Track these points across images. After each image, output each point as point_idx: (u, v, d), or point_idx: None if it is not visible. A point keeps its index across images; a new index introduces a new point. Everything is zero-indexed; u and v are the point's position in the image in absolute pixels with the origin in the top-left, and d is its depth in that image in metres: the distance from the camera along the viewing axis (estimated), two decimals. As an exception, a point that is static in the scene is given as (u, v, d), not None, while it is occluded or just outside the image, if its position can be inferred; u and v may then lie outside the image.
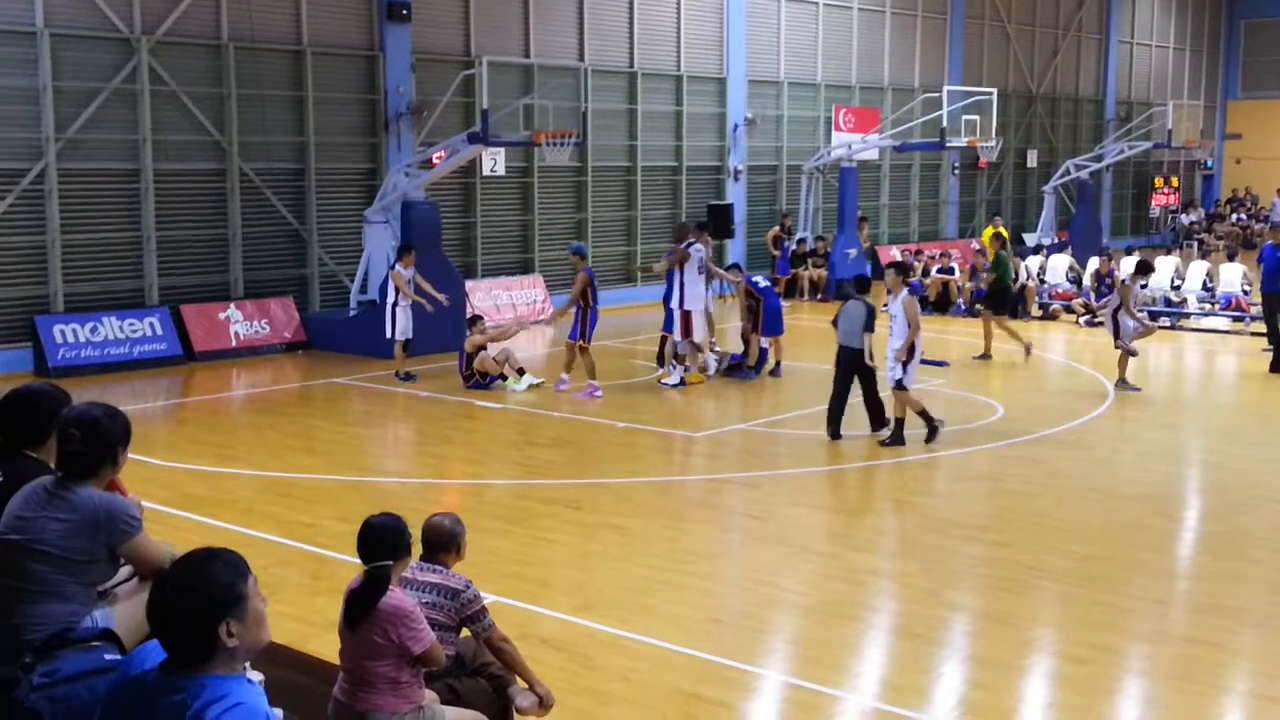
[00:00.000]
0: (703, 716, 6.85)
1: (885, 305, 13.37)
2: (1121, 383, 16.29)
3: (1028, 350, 18.88)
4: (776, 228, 27.33)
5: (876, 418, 13.52)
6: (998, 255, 20.07)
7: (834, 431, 13.48)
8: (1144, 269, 17.68)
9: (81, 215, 18.18)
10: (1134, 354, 16.62)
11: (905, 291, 13.17)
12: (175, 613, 3.18)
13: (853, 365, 13.40)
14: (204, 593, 3.20)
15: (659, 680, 7.26)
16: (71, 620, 4.51)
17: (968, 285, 24.36)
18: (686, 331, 16.53)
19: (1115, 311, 16.63)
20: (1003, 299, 19.68)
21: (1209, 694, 7.25)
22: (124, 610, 4.72)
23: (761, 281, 17.71)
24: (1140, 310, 17.88)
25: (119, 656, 4.30)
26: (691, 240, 16.97)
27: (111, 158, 18.43)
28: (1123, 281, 17.37)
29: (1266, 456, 13.11)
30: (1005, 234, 27.95)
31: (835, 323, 13.71)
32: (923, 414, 13.16)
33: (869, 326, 13.22)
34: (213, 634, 3.18)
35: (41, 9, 17.50)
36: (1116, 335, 16.49)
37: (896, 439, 13.08)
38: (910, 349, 13.09)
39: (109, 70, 18.25)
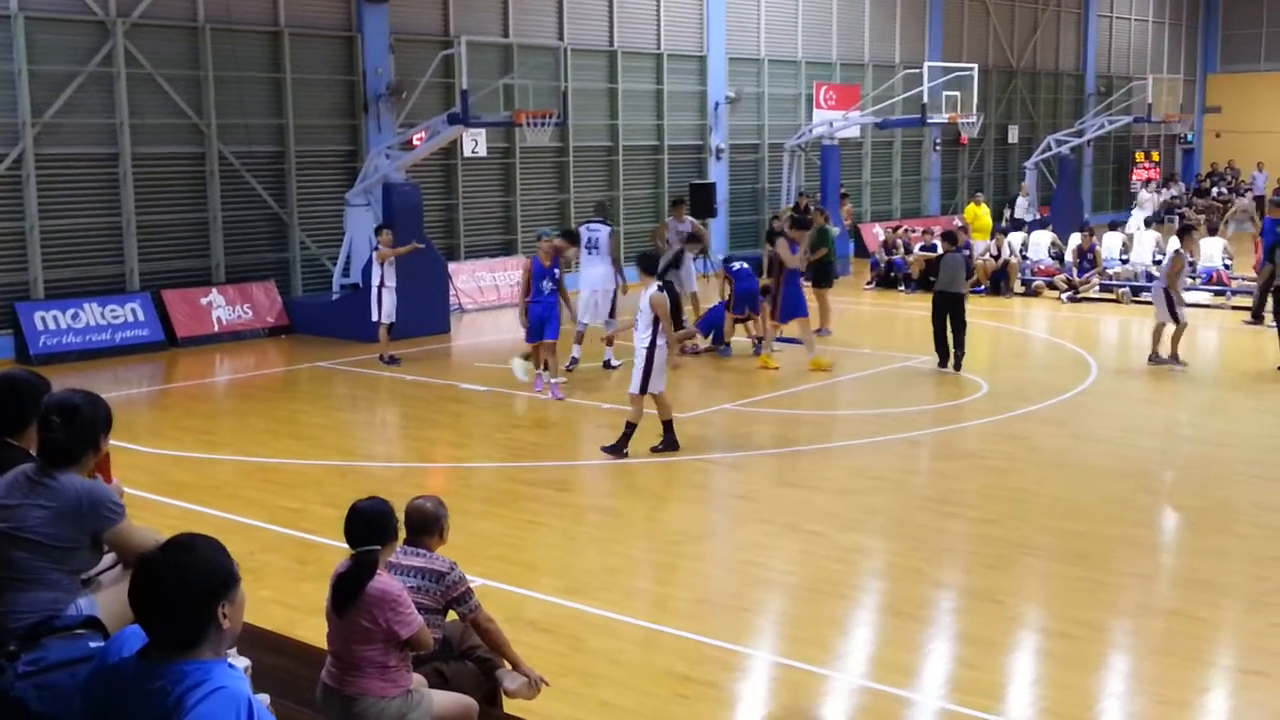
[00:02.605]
0: (691, 696, 6.85)
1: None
2: (1173, 359, 16.15)
3: (819, 332, 18.51)
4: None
5: (959, 358, 15.86)
6: (822, 230, 19.97)
7: (943, 362, 15.95)
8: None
9: (60, 201, 18.05)
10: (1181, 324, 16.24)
11: (654, 287, 11.76)
12: (172, 596, 3.15)
13: (949, 306, 15.82)
14: (204, 574, 3.19)
15: (647, 661, 7.27)
16: (55, 608, 4.49)
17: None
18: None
19: (1166, 288, 16.14)
20: (826, 273, 19.49)
21: (1193, 668, 7.29)
22: (108, 597, 4.69)
23: (736, 264, 17.65)
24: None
25: (103, 644, 4.28)
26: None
27: (89, 142, 18.29)
28: (1176, 251, 16.88)
29: (1248, 431, 13.17)
30: (981, 210, 27.94)
31: (935, 273, 16.32)
32: (631, 425, 11.79)
33: (969, 274, 16.18)
34: (210, 616, 3.17)
35: (16, -8, 17.35)
36: (1173, 313, 16.04)
37: (669, 444, 11.91)
38: (651, 355, 11.61)
39: (85, 53, 18.09)
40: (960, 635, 7.82)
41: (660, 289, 11.84)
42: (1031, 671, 7.36)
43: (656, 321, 11.60)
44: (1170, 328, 16.19)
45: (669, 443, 11.93)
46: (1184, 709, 6.80)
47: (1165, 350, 16.28)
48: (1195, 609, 8.14)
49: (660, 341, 11.63)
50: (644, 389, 11.69)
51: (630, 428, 11.76)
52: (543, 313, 14.62)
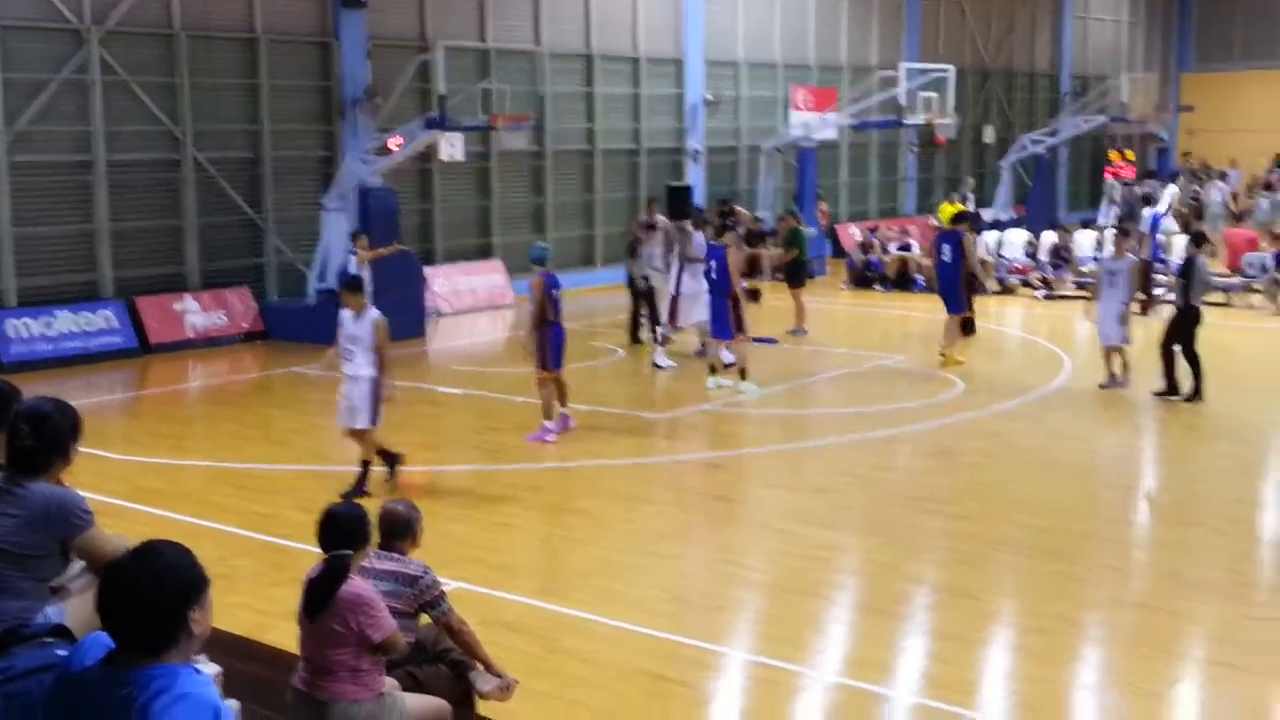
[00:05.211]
0: (666, 696, 6.87)
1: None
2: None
3: (796, 331, 18.83)
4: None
5: (969, 326, 17.21)
6: (794, 231, 20.17)
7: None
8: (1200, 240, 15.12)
9: (34, 208, 17.95)
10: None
11: (375, 312, 10.78)
12: (142, 602, 3.15)
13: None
14: (173, 579, 3.20)
15: (622, 661, 7.28)
16: (24, 616, 4.46)
17: (927, 263, 24.48)
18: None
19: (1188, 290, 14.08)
20: (799, 273, 19.65)
21: (1166, 660, 7.35)
22: (77, 605, 4.67)
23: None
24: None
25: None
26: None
27: (63, 149, 18.20)
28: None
29: (1221, 426, 13.26)
30: (958, 209, 27.96)
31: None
32: (382, 453, 10.91)
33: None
34: (179, 621, 3.17)
35: (-13, 0, 17.27)
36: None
37: (359, 489, 10.44)
38: (378, 385, 10.63)
39: (59, 61, 17.99)
40: (934, 631, 7.85)
41: (383, 315, 10.83)
42: (1005, 666, 7.40)
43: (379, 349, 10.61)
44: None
45: (358, 488, 10.43)
46: (1156, 701, 6.85)
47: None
48: (1167, 602, 8.19)
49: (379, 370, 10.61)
50: (375, 421, 10.67)
51: (368, 468, 10.69)
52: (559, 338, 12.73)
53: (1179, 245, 22.45)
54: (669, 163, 27.36)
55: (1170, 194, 30.56)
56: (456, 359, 18.23)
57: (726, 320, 14.82)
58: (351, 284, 10.99)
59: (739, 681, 7.30)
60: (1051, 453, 12.16)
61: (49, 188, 18.13)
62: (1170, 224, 28.02)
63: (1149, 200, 26.77)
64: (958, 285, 16.77)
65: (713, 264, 14.88)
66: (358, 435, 10.75)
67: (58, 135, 18.11)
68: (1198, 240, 14.80)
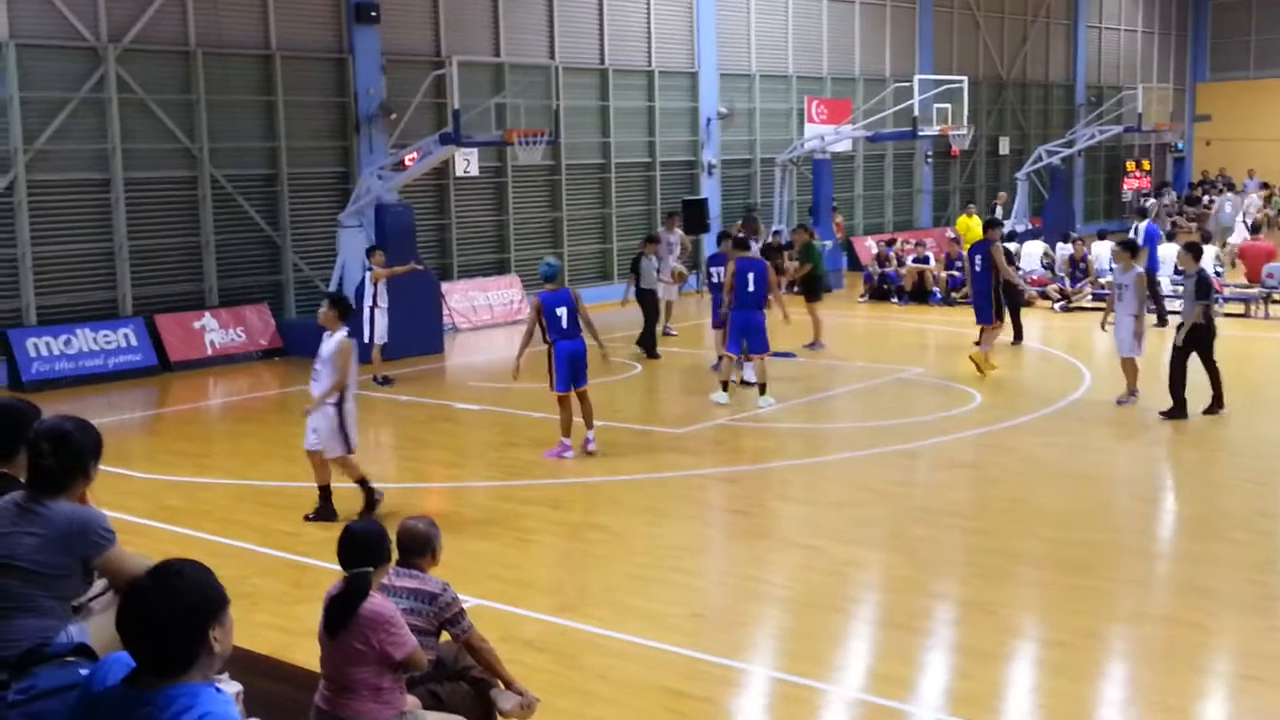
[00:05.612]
0: (688, 713, 6.84)
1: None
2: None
3: (813, 345, 18.72)
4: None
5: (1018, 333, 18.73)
6: (809, 246, 20.16)
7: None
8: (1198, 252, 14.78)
9: (53, 227, 18.05)
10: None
11: (343, 332, 10.30)
12: (162, 621, 3.16)
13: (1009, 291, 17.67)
14: (194, 599, 3.21)
15: (643, 678, 7.25)
16: (46, 636, 4.48)
17: (943, 274, 24.44)
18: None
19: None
20: (815, 287, 19.60)
21: (1190, 674, 7.29)
22: (99, 624, 4.68)
23: (713, 276, 17.43)
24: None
25: (92, 672, 4.28)
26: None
27: (81, 168, 18.30)
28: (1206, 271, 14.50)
29: (1242, 438, 13.17)
30: (973, 221, 27.95)
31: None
32: (361, 482, 10.45)
33: (1011, 262, 17.68)
34: (200, 640, 3.18)
35: (6, 20, 17.36)
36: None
37: (324, 513, 10.42)
38: (341, 405, 10.27)
39: (76, 80, 18.10)
40: (957, 646, 7.81)
41: (349, 335, 10.36)
42: (1028, 681, 7.35)
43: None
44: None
45: (324, 511, 10.41)
46: (1181, 716, 6.79)
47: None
48: (1191, 615, 8.13)
49: (348, 393, 10.27)
50: (350, 447, 10.35)
51: (366, 484, 10.45)
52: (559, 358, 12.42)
53: (1209, 256, 21.97)
54: (684, 176, 27.38)
55: (1250, 204, 30.41)
56: (474, 375, 18.25)
57: (764, 334, 14.89)
58: (332, 300, 10.46)
59: (761, 698, 7.26)
60: (1072, 466, 12.08)
61: (67, 206, 18.23)
62: (1243, 233, 27.96)
63: (1143, 213, 26.70)
64: (988, 296, 16.76)
65: (750, 276, 14.88)
66: (336, 463, 10.40)
67: (76, 154, 18.21)
68: (1196, 252, 14.57)
